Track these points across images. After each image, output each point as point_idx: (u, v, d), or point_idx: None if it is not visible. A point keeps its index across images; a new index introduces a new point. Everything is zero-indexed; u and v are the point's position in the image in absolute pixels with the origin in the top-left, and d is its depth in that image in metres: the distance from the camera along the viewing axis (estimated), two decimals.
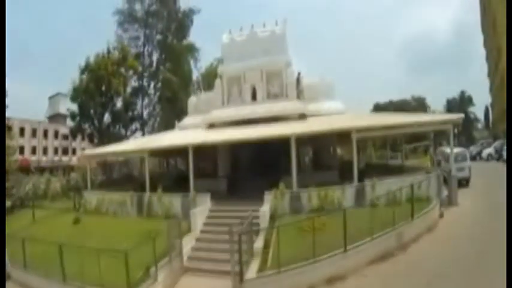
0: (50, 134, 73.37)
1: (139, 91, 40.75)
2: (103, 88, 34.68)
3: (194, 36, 44.48)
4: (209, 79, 38.36)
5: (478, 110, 75.70)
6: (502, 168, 26.82)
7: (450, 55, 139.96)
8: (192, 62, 43.56)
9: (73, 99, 35.09)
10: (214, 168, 22.83)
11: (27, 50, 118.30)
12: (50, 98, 77.75)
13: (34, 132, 71.01)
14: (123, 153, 22.77)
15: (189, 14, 42.73)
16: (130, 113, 39.06)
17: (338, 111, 21.11)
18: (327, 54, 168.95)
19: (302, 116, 20.37)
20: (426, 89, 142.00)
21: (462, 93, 75.27)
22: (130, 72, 37.75)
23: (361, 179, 15.72)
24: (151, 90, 42.23)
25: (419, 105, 64.48)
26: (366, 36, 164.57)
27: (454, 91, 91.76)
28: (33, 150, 70.52)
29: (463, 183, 20.50)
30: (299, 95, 22.32)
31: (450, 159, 17.63)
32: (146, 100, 41.84)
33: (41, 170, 67.28)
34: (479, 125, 75.73)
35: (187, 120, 25.84)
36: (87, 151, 25.24)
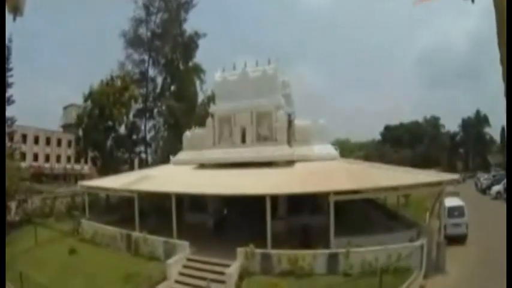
0: (64, 143, 75.35)
1: (143, 114, 41.14)
2: (106, 115, 35.24)
3: (200, 58, 44.51)
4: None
5: (495, 131, 72.93)
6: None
7: (468, 70, 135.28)
8: (198, 84, 43.64)
9: (77, 125, 36.09)
10: (204, 204, 22.98)
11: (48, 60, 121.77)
12: (64, 108, 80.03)
13: (48, 141, 73.39)
14: (114, 190, 22.99)
15: (194, 38, 42.90)
16: (134, 136, 39.70)
17: (329, 156, 20.69)
18: (337, 68, 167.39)
19: (290, 163, 20.14)
20: (442, 105, 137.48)
21: (478, 112, 72.54)
22: (132, 101, 38.28)
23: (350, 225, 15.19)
24: (155, 114, 42.46)
25: (431, 126, 62.51)
26: (380, 50, 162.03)
27: (471, 108, 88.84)
28: (47, 158, 72.85)
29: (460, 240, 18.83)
30: (290, 137, 22.02)
31: (444, 216, 16.98)
32: (151, 123, 42.35)
33: (54, 176, 69.72)
34: (495, 148, 72.79)
35: (181, 156, 26.37)
36: (82, 182, 26.12)
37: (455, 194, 23.09)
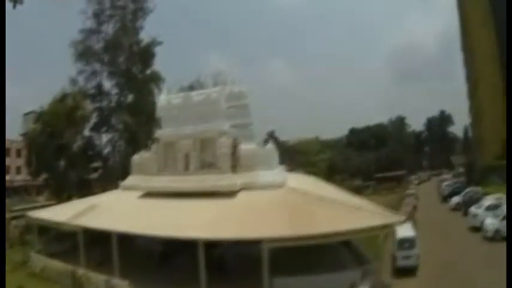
0: (24, 153, 72.18)
1: (100, 128, 39.65)
2: (57, 136, 33.95)
3: (158, 66, 42.97)
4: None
5: (458, 129, 74.57)
6: (466, 230, 25.41)
7: (433, 70, 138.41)
8: (156, 93, 41.87)
9: (29, 148, 34.78)
10: None
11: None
12: (25, 115, 76.37)
13: (7, 152, 70.02)
14: (60, 224, 22.03)
15: (150, 46, 41.25)
16: (90, 152, 38.44)
17: (274, 184, 19.92)
18: (305, 65, 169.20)
19: (232, 193, 19.43)
20: (407, 103, 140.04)
21: (442, 112, 74.44)
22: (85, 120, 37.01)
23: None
24: (111, 128, 40.54)
25: (396, 128, 63.58)
26: (348, 48, 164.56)
27: (437, 107, 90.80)
28: (7, 170, 69.61)
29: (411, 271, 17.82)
30: (236, 162, 21.30)
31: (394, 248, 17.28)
32: (108, 136, 40.56)
33: (14, 189, 66.63)
34: (459, 145, 74.76)
35: (129, 181, 25.38)
36: (29, 213, 25.25)
37: (409, 218, 23.11)
